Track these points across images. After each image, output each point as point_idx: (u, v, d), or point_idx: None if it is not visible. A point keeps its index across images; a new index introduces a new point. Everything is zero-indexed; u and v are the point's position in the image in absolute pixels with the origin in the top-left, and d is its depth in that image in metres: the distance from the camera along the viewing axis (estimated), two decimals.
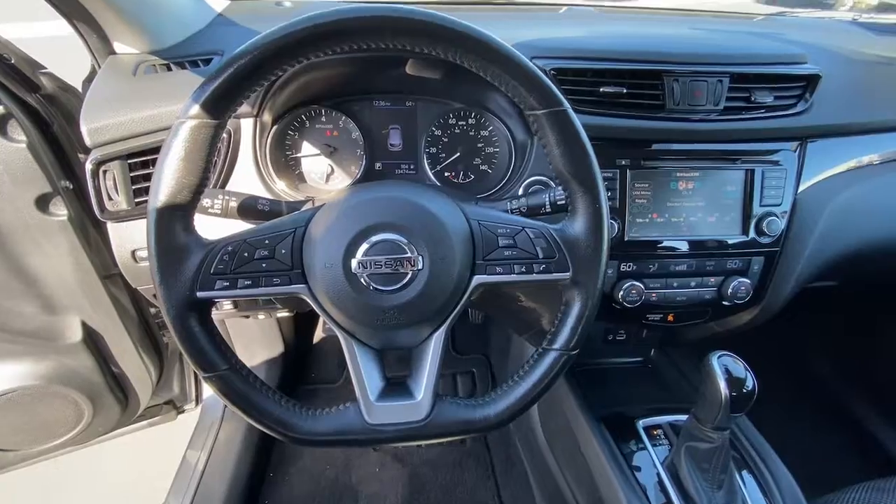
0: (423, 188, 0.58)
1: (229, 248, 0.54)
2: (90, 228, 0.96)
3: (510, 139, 0.92)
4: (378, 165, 0.96)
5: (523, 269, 0.57)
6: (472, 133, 0.95)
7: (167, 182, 0.51)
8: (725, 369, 0.70)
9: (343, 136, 0.94)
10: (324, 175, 0.94)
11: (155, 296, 0.54)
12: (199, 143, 0.51)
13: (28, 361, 1.08)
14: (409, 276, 0.54)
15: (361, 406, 0.57)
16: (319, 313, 0.57)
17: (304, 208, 0.66)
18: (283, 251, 0.56)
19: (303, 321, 1.70)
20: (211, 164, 0.53)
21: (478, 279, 0.57)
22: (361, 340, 0.58)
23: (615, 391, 1.13)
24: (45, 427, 1.17)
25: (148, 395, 1.33)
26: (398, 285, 0.54)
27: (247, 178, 0.81)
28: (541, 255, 0.57)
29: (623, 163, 0.85)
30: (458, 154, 0.95)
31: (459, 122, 0.95)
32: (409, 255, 0.53)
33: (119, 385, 1.26)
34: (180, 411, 1.59)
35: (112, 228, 0.78)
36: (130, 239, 0.78)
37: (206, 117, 0.50)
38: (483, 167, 0.96)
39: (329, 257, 0.53)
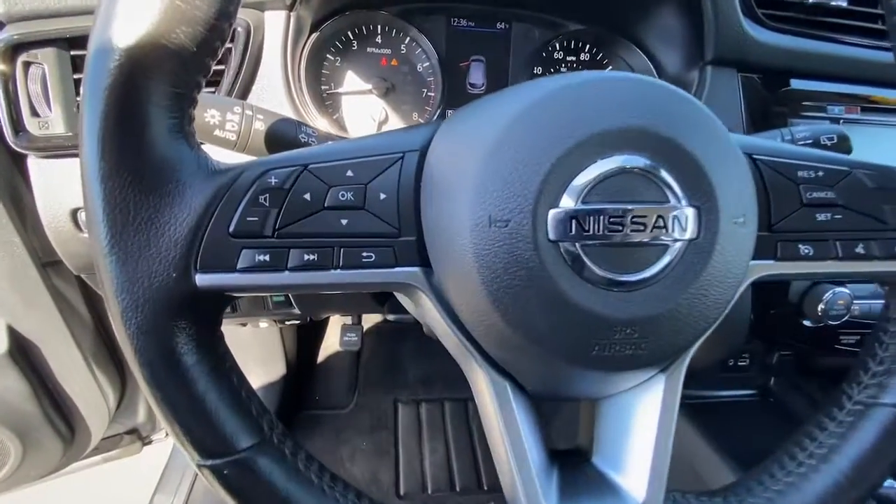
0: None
1: (272, 182, 0.25)
2: (21, 186, 0.64)
3: (654, 76, 0.64)
4: (449, 114, 0.67)
5: (858, 251, 0.29)
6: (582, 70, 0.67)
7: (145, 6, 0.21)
8: None
9: (405, 68, 0.65)
10: (374, 125, 0.65)
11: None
12: None
13: None
14: (670, 251, 0.25)
15: None
16: (438, 327, 0.28)
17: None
18: (384, 196, 0.26)
19: (307, 331, 1.38)
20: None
21: (759, 267, 0.29)
22: (518, 383, 0.29)
23: (749, 435, 0.85)
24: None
25: (104, 425, 1.00)
26: (646, 272, 0.25)
27: (271, 105, 0.51)
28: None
29: None
30: None
31: (569, 57, 0.68)
32: (672, 204, 0.24)
33: (61, 414, 0.92)
34: (146, 442, 1.25)
35: (36, 168, 0.46)
36: (69, 189, 0.46)
37: None
38: None
39: (494, 203, 0.24)
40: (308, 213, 0.25)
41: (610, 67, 0.68)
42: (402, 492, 1.17)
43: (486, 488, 1.18)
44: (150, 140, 0.23)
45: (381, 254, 0.26)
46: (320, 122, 0.57)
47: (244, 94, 0.49)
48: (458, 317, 0.27)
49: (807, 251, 0.29)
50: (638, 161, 0.24)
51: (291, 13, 0.51)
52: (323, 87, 0.63)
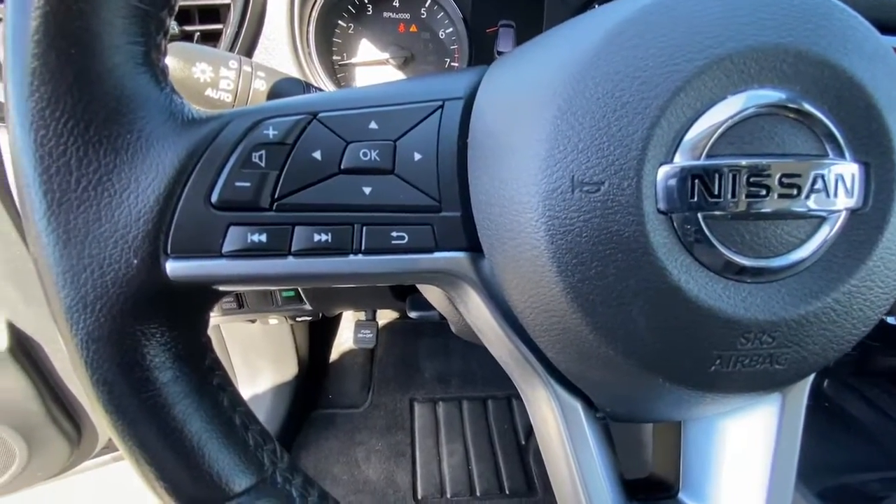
0: None
1: (269, 135, 0.18)
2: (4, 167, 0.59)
3: None
4: None
5: None
6: None
7: None
8: None
9: (426, 35, 0.58)
10: None
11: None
12: None
13: None
14: (828, 224, 0.17)
15: None
16: (489, 332, 0.21)
17: None
18: (419, 157, 0.20)
19: (319, 328, 1.32)
20: None
21: None
22: (593, 402, 0.23)
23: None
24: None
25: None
26: (794, 255, 0.17)
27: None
28: None
29: None
30: None
31: None
32: (832, 160, 0.17)
33: (66, 414, 0.88)
34: None
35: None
36: None
37: None
38: None
39: (580, 160, 0.17)
40: (319, 179, 0.19)
41: None
42: (419, 495, 1.11)
43: (507, 493, 1.12)
44: (101, 69, 0.16)
45: (416, 234, 0.19)
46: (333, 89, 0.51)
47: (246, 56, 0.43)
48: (516, 319, 0.20)
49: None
50: (784, 97, 0.17)
51: None
52: (335, 58, 0.57)
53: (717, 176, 0.16)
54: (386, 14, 0.57)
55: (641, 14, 0.17)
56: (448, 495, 1.12)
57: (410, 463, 1.17)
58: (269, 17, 0.44)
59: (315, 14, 0.49)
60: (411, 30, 0.58)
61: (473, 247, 0.20)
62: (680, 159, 0.17)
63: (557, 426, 0.22)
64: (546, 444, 0.23)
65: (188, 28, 0.41)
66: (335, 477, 1.15)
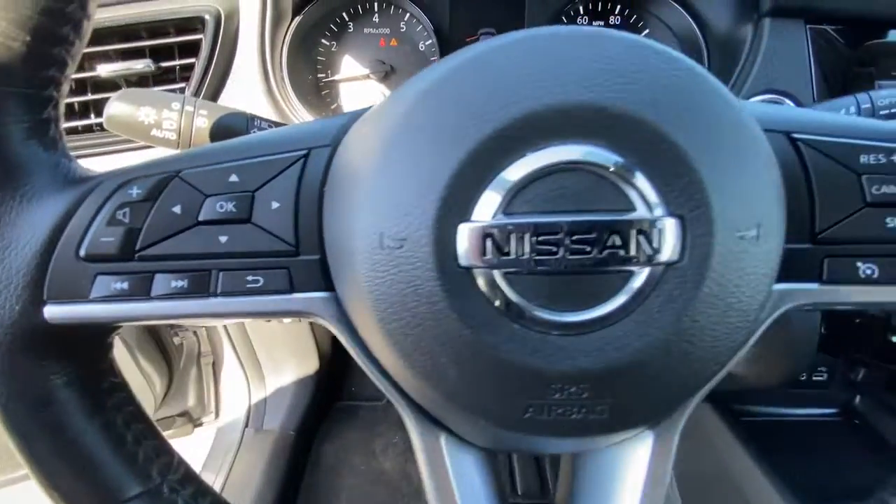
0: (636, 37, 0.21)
1: (133, 193, 0.21)
2: None
3: (698, 37, 0.53)
4: None
5: None
6: None
7: None
8: None
9: (406, 48, 0.59)
10: None
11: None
12: None
13: None
14: (637, 280, 0.17)
15: None
16: (359, 361, 0.23)
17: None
18: (277, 205, 0.21)
19: None
20: None
21: (796, 293, 0.20)
22: (459, 435, 0.23)
23: (820, 463, 0.72)
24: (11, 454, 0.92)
25: (151, 410, 1.06)
26: (599, 310, 0.17)
27: (250, 103, 0.48)
28: None
29: None
30: None
31: (595, 21, 0.58)
32: (639, 215, 0.17)
33: None
34: (197, 424, 1.32)
35: None
36: None
37: None
38: None
39: (387, 217, 0.18)
40: (177, 231, 0.21)
41: (646, 32, 0.57)
42: None
43: (519, 492, 1.12)
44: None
45: (271, 277, 0.21)
46: (304, 116, 0.53)
47: (217, 89, 0.46)
48: (375, 355, 0.21)
49: (869, 272, 0.20)
50: (587, 153, 0.17)
51: None
52: (319, 76, 0.59)
53: (508, 235, 0.17)
54: (367, 30, 0.59)
55: (448, 73, 0.18)
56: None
57: None
58: (240, 47, 0.47)
59: (288, 38, 0.52)
60: (392, 44, 0.60)
61: (330, 287, 0.22)
62: (478, 217, 0.17)
63: (421, 458, 0.23)
64: (424, 479, 0.24)
65: (165, 64, 0.45)
66: (354, 466, 1.21)
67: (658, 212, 0.17)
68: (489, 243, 0.17)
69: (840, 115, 0.23)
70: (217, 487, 1.14)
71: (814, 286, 0.20)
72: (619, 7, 0.57)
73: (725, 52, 0.49)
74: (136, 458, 0.23)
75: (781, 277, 0.21)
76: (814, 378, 0.76)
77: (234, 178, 0.21)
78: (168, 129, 0.33)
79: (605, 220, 0.16)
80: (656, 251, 0.17)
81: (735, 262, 0.17)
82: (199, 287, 0.21)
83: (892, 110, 0.32)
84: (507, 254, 0.17)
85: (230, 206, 0.21)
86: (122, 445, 0.23)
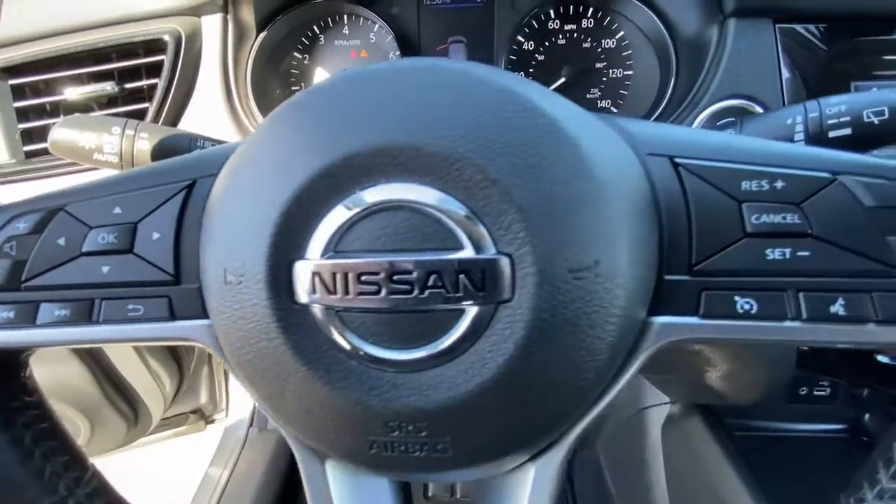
0: (500, 71, 0.21)
1: (21, 227, 0.22)
2: None
3: (666, 39, 0.51)
4: None
5: (835, 311, 0.18)
6: (587, 41, 0.56)
7: None
8: None
9: (375, 58, 0.60)
10: None
11: None
12: None
13: None
14: (468, 318, 0.17)
15: None
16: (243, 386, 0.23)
17: None
18: (157, 235, 0.22)
19: None
20: None
21: (675, 327, 0.19)
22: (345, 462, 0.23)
23: (820, 481, 0.68)
24: None
25: (161, 409, 1.11)
26: (430, 348, 0.17)
27: (211, 121, 0.49)
28: None
29: None
30: (563, 80, 0.56)
31: (567, 26, 0.56)
32: (464, 255, 0.16)
33: (125, 398, 1.03)
34: (209, 421, 1.38)
35: None
36: None
37: None
38: (605, 102, 0.57)
39: (229, 254, 0.18)
40: (62, 262, 0.21)
41: (620, 35, 0.56)
42: (430, 493, 1.14)
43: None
44: None
45: (151, 305, 0.22)
46: None
47: (179, 108, 0.48)
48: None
49: (748, 306, 0.19)
50: (412, 192, 0.16)
51: (228, 15, 0.48)
52: (293, 88, 0.60)
53: (334, 274, 0.16)
54: (337, 42, 0.59)
55: (286, 109, 0.18)
56: (458, 495, 1.13)
57: None
58: (203, 66, 0.48)
59: (253, 54, 0.53)
60: (362, 55, 0.60)
61: (210, 315, 0.22)
62: (312, 255, 0.17)
63: (307, 486, 0.23)
64: None
65: (129, 85, 0.47)
66: None
67: (486, 250, 0.16)
68: (318, 282, 0.17)
69: (728, 136, 0.21)
70: (221, 483, 1.18)
71: (693, 320, 0.19)
72: (590, 10, 0.56)
73: (693, 54, 0.47)
74: (42, 474, 0.24)
75: (662, 310, 0.20)
76: (815, 393, 0.72)
77: (118, 210, 0.22)
78: (109, 152, 0.35)
79: (424, 260, 0.16)
80: (480, 290, 0.16)
81: (570, 300, 0.16)
82: (82, 316, 0.21)
83: (842, 119, 0.30)
84: (335, 293, 0.17)
85: (111, 238, 0.21)
86: (28, 461, 0.24)
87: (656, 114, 0.49)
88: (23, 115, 0.46)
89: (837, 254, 0.18)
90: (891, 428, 0.24)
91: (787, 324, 0.18)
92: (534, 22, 0.56)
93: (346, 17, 0.58)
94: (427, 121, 0.16)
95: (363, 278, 0.16)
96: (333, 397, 0.17)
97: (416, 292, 0.16)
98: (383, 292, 0.16)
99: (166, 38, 0.45)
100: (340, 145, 0.16)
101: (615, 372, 0.20)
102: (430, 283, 0.16)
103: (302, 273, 0.17)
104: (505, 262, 0.16)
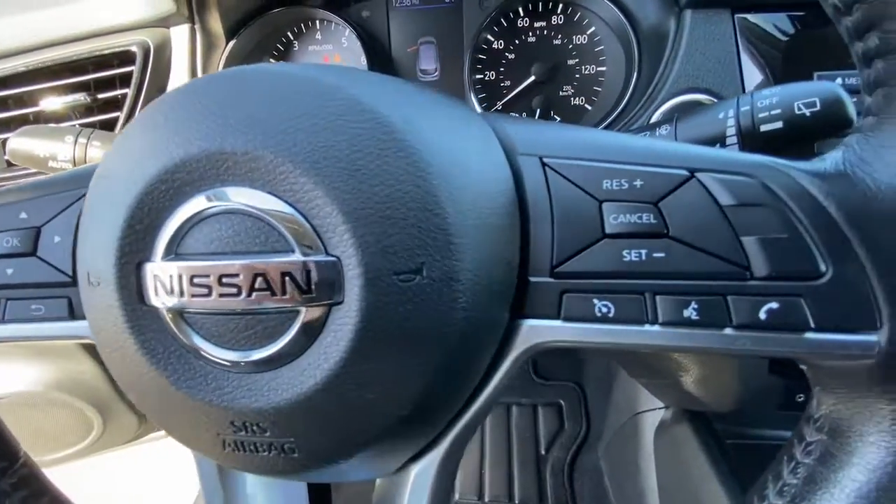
0: (356, 70, 0.21)
1: None
2: None
3: (629, 33, 0.49)
4: None
5: (689, 315, 0.17)
6: (557, 38, 0.55)
7: None
8: None
9: (348, 62, 0.60)
10: None
11: None
12: None
13: (23, 364, 0.94)
14: (302, 319, 0.17)
15: None
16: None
17: None
18: (58, 239, 0.23)
19: None
20: None
21: (539, 329, 0.19)
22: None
23: None
24: (51, 437, 1.04)
25: None
26: (268, 349, 0.17)
27: None
28: (767, 269, 0.17)
29: None
30: (533, 78, 0.56)
31: (537, 23, 0.56)
32: (291, 258, 0.17)
33: None
34: None
35: None
36: None
37: None
38: (578, 99, 0.56)
39: (90, 256, 0.19)
40: None
41: (591, 30, 0.54)
42: (457, 496, 1.15)
43: (517, 502, 1.10)
44: None
45: (52, 305, 0.23)
46: None
47: None
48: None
49: (605, 309, 0.18)
50: (244, 196, 0.17)
51: (195, 25, 0.50)
52: None
53: (170, 277, 0.17)
54: (311, 48, 0.61)
55: (139, 117, 0.18)
56: (456, 497, 1.13)
57: None
58: (172, 75, 0.50)
59: (222, 63, 0.54)
60: (335, 59, 0.61)
61: None
62: (156, 257, 0.17)
63: (201, 481, 0.24)
64: None
65: (102, 95, 0.49)
66: None
67: (315, 253, 0.16)
68: (159, 284, 0.17)
69: (598, 133, 0.21)
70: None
71: (557, 323, 0.19)
72: (560, 7, 0.55)
73: (654, 48, 0.45)
74: None
75: (527, 313, 0.19)
76: (811, 399, 0.68)
77: (24, 215, 0.23)
78: (63, 159, 0.37)
79: (249, 264, 0.16)
80: (307, 292, 0.16)
81: (399, 302, 0.16)
82: None
83: (772, 112, 0.28)
84: (173, 294, 0.17)
85: (15, 241, 0.23)
86: None
87: (618, 111, 0.47)
88: (5, 125, 0.49)
89: (692, 255, 0.17)
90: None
91: (647, 328, 0.18)
92: (502, 20, 0.56)
93: (318, 22, 0.59)
94: (257, 125, 0.16)
95: (195, 280, 0.17)
96: (182, 397, 0.18)
97: (243, 295, 0.16)
98: (213, 294, 0.17)
99: (134, 49, 0.47)
100: (178, 151, 0.17)
101: (483, 375, 0.20)
102: (257, 285, 0.16)
103: (149, 275, 0.17)
104: (333, 265, 0.16)
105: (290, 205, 0.16)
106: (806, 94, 0.27)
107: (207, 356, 0.17)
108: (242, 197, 0.16)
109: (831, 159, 0.17)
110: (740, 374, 0.46)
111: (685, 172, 0.17)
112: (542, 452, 1.18)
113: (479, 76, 0.57)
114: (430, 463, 0.21)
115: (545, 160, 0.19)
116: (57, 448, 1.07)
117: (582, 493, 1.08)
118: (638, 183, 0.18)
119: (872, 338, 0.17)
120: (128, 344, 0.18)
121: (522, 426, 1.24)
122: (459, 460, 0.23)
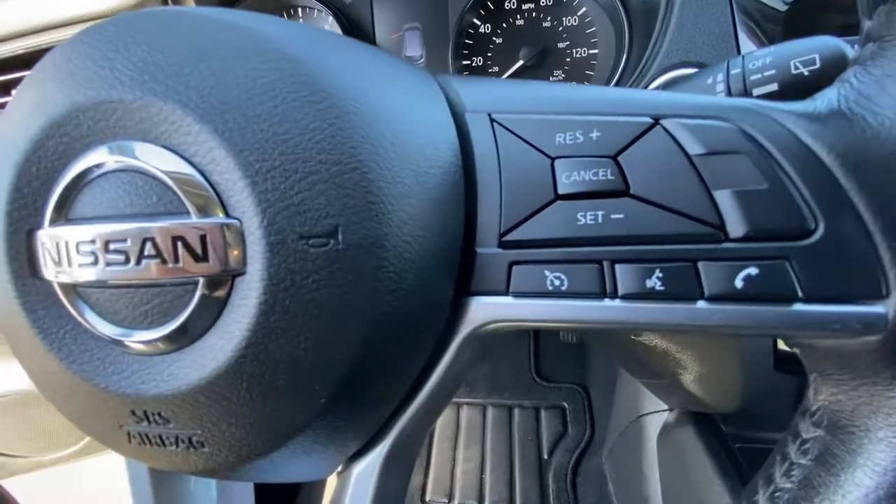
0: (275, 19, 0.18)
1: None
2: None
3: (619, 12, 0.47)
4: None
5: (652, 285, 0.14)
6: (546, 20, 0.53)
7: None
8: None
9: None
10: None
11: None
12: None
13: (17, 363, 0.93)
14: (196, 294, 0.15)
15: None
16: None
17: None
18: None
19: None
20: None
21: (486, 307, 0.16)
22: None
23: None
24: (48, 436, 1.03)
25: None
26: (169, 326, 0.15)
27: None
28: (744, 228, 0.14)
29: None
30: (521, 62, 0.53)
31: (525, 5, 0.54)
32: (189, 221, 0.14)
33: None
34: None
35: None
36: None
37: None
38: (567, 80, 0.53)
39: None
40: None
41: (583, 10, 0.52)
42: (427, 497, 1.12)
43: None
44: None
45: None
46: None
47: None
48: None
49: (557, 282, 0.16)
50: (133, 153, 0.14)
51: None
52: None
53: (56, 245, 0.15)
54: None
55: (31, 71, 0.16)
56: (456, 500, 1.10)
57: (425, 464, 1.18)
58: None
59: None
60: None
61: None
62: (46, 223, 0.15)
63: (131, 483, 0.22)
64: None
65: None
66: None
67: (213, 215, 0.14)
68: (46, 254, 0.15)
69: (550, 86, 0.18)
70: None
71: (507, 300, 0.16)
72: None
73: (644, 23, 0.43)
74: None
75: (475, 288, 0.17)
76: None
77: None
78: None
79: (137, 227, 0.14)
80: (202, 259, 0.14)
81: (310, 271, 0.14)
82: None
83: (766, 73, 0.26)
84: (61, 265, 0.15)
85: None
86: None
87: (614, 81, 0.45)
88: None
89: (655, 215, 0.14)
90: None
91: (606, 302, 0.15)
92: (488, 2, 0.54)
93: (300, 9, 0.58)
94: (146, 69, 0.14)
95: (81, 248, 0.15)
96: (79, 382, 0.16)
97: (132, 263, 0.14)
98: (100, 263, 0.14)
99: None
100: (64, 102, 0.15)
101: (427, 360, 0.17)
102: (147, 252, 0.14)
103: (38, 244, 0.15)
104: (234, 228, 0.14)
105: (186, 159, 0.14)
106: (803, 52, 0.24)
107: (103, 336, 0.15)
108: (136, 151, 0.14)
109: (823, 98, 0.14)
110: (742, 372, 0.43)
111: (648, 119, 0.15)
112: (545, 457, 1.15)
113: (465, 62, 0.55)
114: (371, 462, 0.19)
115: (494, 116, 0.17)
116: (57, 448, 1.06)
117: (585, 500, 1.05)
118: (594, 135, 0.15)
119: (877, 309, 0.14)
120: (21, 322, 0.16)
121: (524, 429, 1.21)
122: (411, 462, 0.21)
